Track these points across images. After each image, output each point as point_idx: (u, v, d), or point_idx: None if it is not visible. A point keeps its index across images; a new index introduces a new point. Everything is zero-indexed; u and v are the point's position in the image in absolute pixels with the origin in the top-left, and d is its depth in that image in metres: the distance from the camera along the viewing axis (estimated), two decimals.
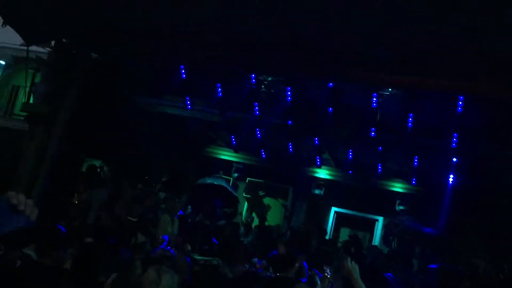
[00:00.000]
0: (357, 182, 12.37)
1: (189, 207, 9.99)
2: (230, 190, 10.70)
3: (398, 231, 9.63)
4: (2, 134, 11.76)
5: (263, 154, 12.31)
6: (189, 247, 7.23)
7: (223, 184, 10.77)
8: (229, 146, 12.88)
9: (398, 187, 12.13)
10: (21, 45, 9.03)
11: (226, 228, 10.41)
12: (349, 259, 4.03)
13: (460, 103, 7.50)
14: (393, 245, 10.40)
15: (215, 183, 10.65)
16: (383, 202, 12.40)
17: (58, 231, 4.90)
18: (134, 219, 8.10)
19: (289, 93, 8.65)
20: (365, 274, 8.31)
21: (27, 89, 9.60)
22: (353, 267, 3.93)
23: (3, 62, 15.67)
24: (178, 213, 9.69)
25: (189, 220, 9.81)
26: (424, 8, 6.30)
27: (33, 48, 10.91)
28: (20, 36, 8.61)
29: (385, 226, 11.23)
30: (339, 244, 11.92)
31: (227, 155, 13.56)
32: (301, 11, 7.03)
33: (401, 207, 11.96)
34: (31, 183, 8.39)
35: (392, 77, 7.67)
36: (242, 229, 10.60)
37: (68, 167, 9.03)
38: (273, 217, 13.90)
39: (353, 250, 10.46)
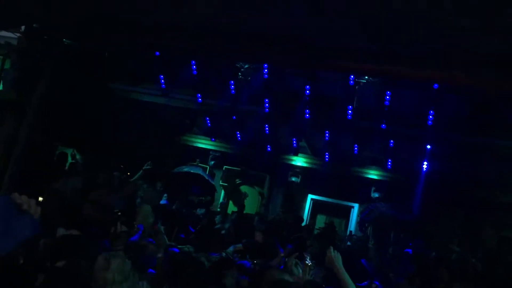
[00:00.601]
0: (333, 169, 12.47)
1: (165, 195, 9.88)
2: (206, 178, 10.64)
3: (373, 218, 9.76)
4: None
5: (240, 142, 12.28)
6: (164, 236, 7.15)
7: (200, 172, 10.70)
8: (205, 134, 12.81)
9: (373, 174, 12.29)
10: None
11: (202, 217, 10.36)
12: (331, 248, 3.99)
13: (435, 92, 7.59)
14: (368, 232, 10.54)
15: (192, 171, 10.58)
16: (359, 189, 12.57)
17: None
18: (113, 209, 7.96)
19: (266, 76, 8.60)
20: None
21: None
22: (335, 256, 3.90)
23: None
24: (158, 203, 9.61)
25: (166, 208, 9.71)
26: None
27: (3, 33, 10.61)
28: None
29: (360, 213, 11.37)
30: (315, 231, 12.02)
31: (203, 143, 13.50)
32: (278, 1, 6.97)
33: (376, 194, 12.15)
34: (2, 171, 8.17)
35: (368, 66, 7.68)
36: (218, 217, 10.57)
37: (40, 155, 8.81)
38: (250, 205, 13.93)
39: (328, 237, 10.56)
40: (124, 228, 4.30)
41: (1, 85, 9.01)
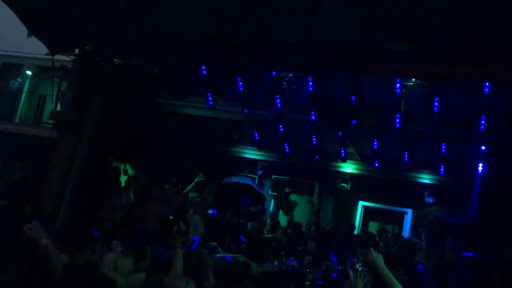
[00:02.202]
0: (383, 175, 12.25)
1: (215, 206, 10.06)
2: (256, 188, 10.74)
3: (427, 222, 9.48)
4: (32, 142, 12.06)
5: (287, 151, 12.31)
6: (215, 244, 7.30)
7: (249, 182, 10.81)
8: (253, 144, 12.93)
9: (426, 178, 11.96)
10: (46, 54, 9.23)
11: (253, 226, 10.46)
12: (372, 249, 4.03)
13: (486, 90, 7.34)
14: (423, 237, 10.26)
15: (241, 181, 10.71)
16: (412, 194, 12.25)
17: (91, 235, 5.01)
18: (169, 219, 8.18)
19: (310, 88, 8.61)
20: (395, 266, 8.25)
21: (54, 98, 9.79)
22: (376, 256, 3.94)
23: (29, 73, 16.07)
24: (207, 213, 9.80)
25: (217, 219, 9.88)
26: None
27: (58, 57, 11.21)
28: (45, 45, 8.81)
29: (413, 218, 11.08)
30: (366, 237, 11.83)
31: (251, 154, 13.62)
32: (318, 9, 7.00)
33: (431, 199, 11.80)
34: (62, 189, 8.59)
35: (414, 67, 7.55)
36: (268, 227, 10.62)
37: (97, 171, 9.20)
38: (300, 214, 13.92)
39: (381, 243, 10.39)
40: (183, 226, 4.50)
41: (59, 106, 9.49)
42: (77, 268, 3.29)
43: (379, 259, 3.93)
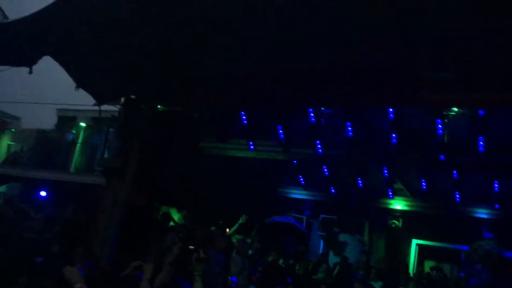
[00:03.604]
0: (436, 210, 11.76)
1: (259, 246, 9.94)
2: (299, 227, 10.55)
3: (478, 258, 8.86)
4: (84, 189, 12.54)
5: (333, 189, 12.11)
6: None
7: (291, 221, 10.66)
8: (298, 184, 12.82)
9: (482, 212, 11.36)
10: (93, 105, 9.72)
11: (300, 267, 10.21)
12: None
13: None
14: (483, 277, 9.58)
15: (284, 221, 10.57)
16: (469, 230, 11.60)
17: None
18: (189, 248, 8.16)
19: (349, 123, 8.53)
20: None
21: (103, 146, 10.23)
22: None
23: (83, 124, 16.98)
24: (248, 253, 9.67)
25: (260, 259, 9.74)
26: (477, 22, 6.06)
27: (109, 108, 11.79)
28: (92, 96, 9.29)
29: (465, 253, 10.43)
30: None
31: (297, 193, 13.50)
32: (353, 38, 7.00)
33: (490, 235, 11.13)
34: (109, 233, 8.80)
35: (456, 96, 7.33)
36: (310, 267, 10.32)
37: (141, 215, 9.39)
38: (351, 254, 13.47)
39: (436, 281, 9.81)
40: (203, 255, 4.54)
41: (107, 153, 9.89)
42: None
43: None
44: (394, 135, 8.27)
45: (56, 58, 8.11)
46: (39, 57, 8.24)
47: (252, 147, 10.00)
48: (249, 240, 9.63)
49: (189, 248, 5.46)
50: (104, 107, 11.10)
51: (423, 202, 11.66)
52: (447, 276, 10.83)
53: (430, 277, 9.83)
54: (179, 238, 8.45)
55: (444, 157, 8.19)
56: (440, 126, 7.86)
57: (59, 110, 18.25)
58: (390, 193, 11.31)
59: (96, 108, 10.53)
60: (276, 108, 9.05)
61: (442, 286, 9.96)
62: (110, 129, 10.17)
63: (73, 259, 6.67)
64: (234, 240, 10.15)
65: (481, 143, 7.77)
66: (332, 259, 13.00)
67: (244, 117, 9.37)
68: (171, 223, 10.55)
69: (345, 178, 11.61)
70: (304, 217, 13.50)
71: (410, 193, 12.00)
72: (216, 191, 11.56)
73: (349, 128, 8.72)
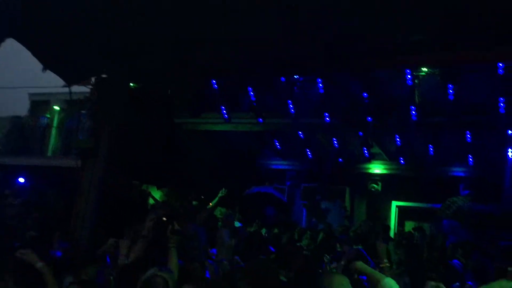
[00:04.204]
0: (414, 172, 11.94)
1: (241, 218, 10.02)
2: (278, 196, 10.64)
3: (451, 213, 9.11)
4: (63, 172, 12.44)
5: (312, 158, 12.18)
6: (238, 259, 7.21)
7: (270, 191, 10.73)
8: (276, 154, 12.87)
9: (458, 171, 11.58)
10: (63, 87, 9.52)
11: (282, 235, 10.32)
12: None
13: (501, 71, 7.06)
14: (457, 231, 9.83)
15: (262, 191, 10.64)
16: (446, 189, 11.82)
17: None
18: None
19: (321, 90, 8.53)
20: (431, 263, 7.94)
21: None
22: (360, 266, 4.03)
23: (57, 108, 16.73)
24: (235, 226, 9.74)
25: (245, 232, 9.82)
26: None
27: (83, 89, 11.58)
28: (61, 77, 9.09)
29: (438, 211, 10.67)
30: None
31: (278, 164, 13.56)
32: (324, 8, 6.95)
33: (466, 191, 11.35)
34: (87, 214, 8.77)
35: (426, 57, 7.36)
36: (296, 236, 10.45)
37: (121, 195, 9.36)
38: (334, 220, 13.66)
39: (417, 241, 10.02)
40: (177, 227, 4.58)
41: (80, 135, 9.76)
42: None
43: (362, 266, 4.01)
44: (366, 96, 8.29)
45: (19, 39, 7.89)
46: (1, 40, 8.02)
47: (227, 119, 9.94)
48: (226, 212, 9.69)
49: (165, 221, 5.46)
50: (78, 88, 10.95)
51: (401, 165, 11.81)
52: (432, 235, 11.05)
53: (410, 237, 10.03)
54: (155, 212, 8.46)
55: (416, 118, 8.26)
56: (411, 87, 7.90)
57: (31, 94, 17.89)
58: (368, 158, 11.42)
59: (72, 91, 10.36)
60: (248, 77, 9.00)
61: (423, 245, 10.17)
62: (83, 111, 10.00)
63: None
64: (217, 214, 10.23)
65: (451, 102, 7.84)
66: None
67: (216, 87, 9.27)
68: (151, 201, 10.53)
69: (323, 146, 11.68)
70: (286, 187, 13.60)
71: (388, 156, 12.14)
72: (196, 166, 11.55)
73: (321, 96, 8.71)
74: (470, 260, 8.57)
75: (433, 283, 3.50)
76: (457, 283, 6.85)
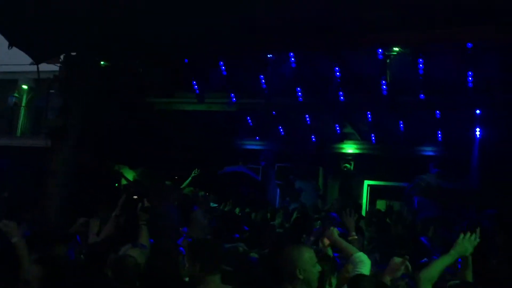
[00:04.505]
0: (385, 152, 12.10)
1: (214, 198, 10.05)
2: (251, 175, 10.68)
3: (420, 190, 9.33)
4: (33, 152, 12.20)
5: (286, 138, 12.23)
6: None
7: (243, 170, 10.76)
8: (250, 134, 12.86)
9: (428, 150, 11.78)
10: (30, 64, 9.28)
11: (257, 214, 10.41)
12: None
13: (470, 52, 7.18)
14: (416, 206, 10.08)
15: (234, 170, 10.66)
16: (417, 168, 12.04)
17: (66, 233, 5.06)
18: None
19: (293, 64, 8.52)
20: (400, 240, 8.11)
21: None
22: (333, 233, 4.11)
23: (25, 87, 16.27)
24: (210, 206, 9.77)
25: (219, 211, 9.87)
26: None
27: (51, 68, 11.29)
28: (28, 55, 8.85)
29: (407, 188, 10.90)
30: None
31: (252, 144, 13.56)
32: None
33: (436, 170, 11.58)
34: (58, 194, 8.65)
35: (397, 35, 7.43)
36: (268, 215, 10.55)
37: (92, 175, 9.25)
38: (307, 199, 13.81)
39: (388, 220, 10.25)
40: (147, 204, 4.58)
41: (49, 114, 9.55)
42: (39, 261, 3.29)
43: (334, 234, 4.08)
44: (338, 76, 8.33)
45: None
46: None
47: (200, 99, 9.87)
48: (202, 193, 9.71)
49: (135, 199, 5.42)
50: (46, 67, 10.67)
51: (372, 145, 11.97)
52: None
53: (378, 214, 10.24)
54: (126, 191, 8.41)
55: (387, 97, 8.35)
56: (382, 66, 7.97)
57: None
58: (340, 137, 11.54)
59: (37, 69, 10.08)
60: (221, 56, 8.93)
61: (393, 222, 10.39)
62: (51, 90, 9.76)
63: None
64: (187, 191, 10.21)
65: (421, 81, 7.96)
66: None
67: (188, 66, 9.17)
68: (124, 181, 10.44)
69: (296, 125, 11.73)
70: (260, 167, 13.64)
71: (360, 136, 12.28)
72: (169, 146, 11.47)
73: (294, 73, 8.71)
74: (438, 235, 8.82)
75: (398, 258, 3.57)
76: (425, 259, 7.03)
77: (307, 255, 3.27)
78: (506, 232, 7.28)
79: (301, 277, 3.19)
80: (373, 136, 11.20)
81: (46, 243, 4.31)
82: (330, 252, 4.62)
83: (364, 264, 3.60)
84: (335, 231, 4.03)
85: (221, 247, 4.30)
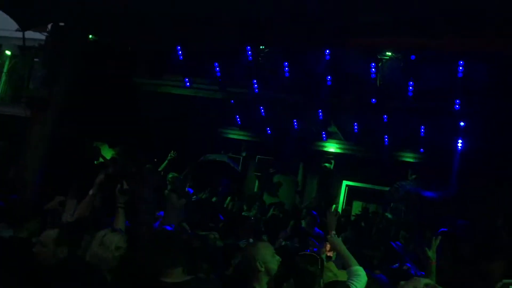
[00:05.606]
0: (367, 154, 12.15)
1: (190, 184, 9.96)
2: (233, 165, 10.63)
3: (398, 197, 9.41)
4: (9, 121, 11.92)
5: (269, 131, 12.18)
6: (185, 225, 7.18)
7: (226, 160, 10.69)
8: (235, 124, 12.78)
9: (408, 156, 11.87)
10: (16, 30, 9.02)
11: (233, 205, 10.38)
12: (332, 233, 4.09)
13: (462, 62, 7.21)
14: (402, 215, 10.20)
15: (217, 159, 10.59)
16: (395, 173, 12.13)
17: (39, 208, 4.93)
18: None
19: (286, 63, 8.46)
20: (372, 244, 8.15)
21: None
22: (335, 239, 4.05)
23: (9, 52, 15.83)
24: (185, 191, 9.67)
25: (194, 197, 9.79)
26: None
27: (38, 36, 10.98)
28: (14, 21, 8.60)
29: (385, 193, 11.00)
30: (352, 218, 11.77)
31: (234, 134, 13.48)
32: None
33: (413, 177, 11.69)
34: (35, 166, 8.47)
35: (390, 40, 7.43)
36: (245, 206, 10.53)
37: (71, 149, 9.06)
38: (285, 194, 13.83)
39: (363, 223, 10.34)
40: (126, 186, 4.49)
41: (31, 84, 9.32)
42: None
43: (337, 240, 4.04)
44: (329, 78, 8.30)
45: None
46: None
47: (188, 84, 9.74)
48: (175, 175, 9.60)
49: (114, 180, 5.31)
50: (32, 34, 10.38)
51: (355, 146, 12.01)
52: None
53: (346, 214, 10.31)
54: (105, 170, 8.26)
55: (375, 101, 8.36)
56: (373, 70, 7.96)
57: None
58: (324, 136, 11.54)
59: (22, 35, 9.80)
60: (214, 45, 8.81)
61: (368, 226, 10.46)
62: (36, 59, 9.51)
63: None
64: (169, 177, 10.08)
65: (410, 87, 7.97)
66: (267, 199, 13.28)
67: (180, 53, 9.03)
68: (101, 159, 10.26)
69: (282, 120, 11.68)
70: (241, 158, 13.59)
71: (343, 136, 12.30)
72: (151, 128, 11.32)
73: (286, 69, 8.64)
74: (411, 242, 8.92)
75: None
76: (397, 264, 7.09)
77: (264, 249, 3.56)
78: (476, 245, 7.38)
79: (262, 269, 3.46)
80: (355, 138, 11.22)
81: (18, 219, 4.19)
82: (334, 256, 4.58)
83: (360, 279, 3.63)
84: (334, 239, 4.03)
85: (185, 241, 4.26)
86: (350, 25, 7.32)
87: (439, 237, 4.16)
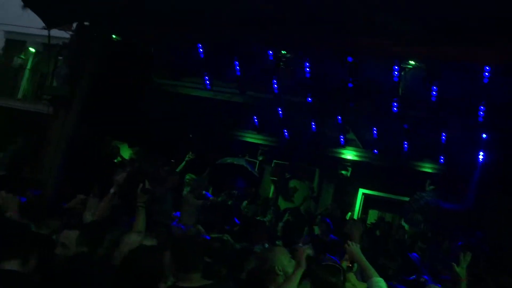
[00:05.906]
0: (385, 162, 12.03)
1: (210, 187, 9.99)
2: (250, 169, 10.61)
3: (418, 207, 9.29)
4: (32, 118, 12.08)
5: (287, 135, 12.15)
6: (200, 227, 7.18)
7: (243, 163, 10.69)
8: (252, 128, 12.77)
9: (427, 167, 11.73)
10: (42, 28, 9.15)
11: (249, 209, 10.37)
12: (350, 243, 4.05)
13: (487, 74, 7.10)
14: (421, 226, 10.09)
15: (235, 162, 10.59)
16: (413, 183, 12.00)
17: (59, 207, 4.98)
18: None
19: (307, 69, 8.43)
20: (388, 254, 8.06)
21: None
22: (354, 249, 4.00)
23: (33, 50, 16.11)
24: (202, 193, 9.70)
25: (211, 200, 9.80)
26: None
27: (62, 34, 11.13)
28: (41, 19, 8.72)
29: (405, 203, 10.87)
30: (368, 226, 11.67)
31: (252, 138, 13.47)
32: None
33: (431, 187, 11.55)
34: (55, 164, 8.56)
35: (414, 48, 7.35)
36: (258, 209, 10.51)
37: (91, 148, 9.16)
38: (300, 200, 13.75)
39: (379, 233, 10.24)
40: (148, 185, 4.51)
41: (55, 81, 9.43)
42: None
43: (356, 251, 3.98)
44: (350, 84, 8.26)
45: None
46: None
47: (208, 85, 9.78)
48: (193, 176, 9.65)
49: (135, 179, 5.34)
50: (56, 33, 10.52)
51: (373, 154, 11.91)
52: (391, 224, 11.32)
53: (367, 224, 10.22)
54: (127, 169, 8.33)
55: (397, 110, 8.29)
56: (396, 78, 7.89)
57: (7, 32, 17.13)
58: (342, 141, 11.47)
59: (47, 33, 9.94)
60: (235, 47, 8.83)
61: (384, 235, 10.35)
62: (60, 57, 9.64)
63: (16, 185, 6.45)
64: (187, 178, 10.13)
65: (433, 98, 7.88)
66: (282, 204, 13.24)
67: (201, 51, 9.06)
68: (118, 159, 10.35)
69: (300, 125, 11.65)
70: (257, 162, 13.57)
71: (362, 144, 12.21)
72: (170, 129, 11.39)
73: (308, 74, 8.62)
74: (427, 254, 8.82)
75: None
76: (414, 276, 7.02)
77: (282, 254, 3.69)
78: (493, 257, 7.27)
79: (280, 273, 3.55)
80: (375, 147, 11.12)
81: (39, 216, 4.23)
82: (355, 268, 4.54)
83: None
84: (354, 249, 3.98)
85: (203, 245, 4.26)
86: (373, 32, 7.26)
87: (469, 252, 3.99)
